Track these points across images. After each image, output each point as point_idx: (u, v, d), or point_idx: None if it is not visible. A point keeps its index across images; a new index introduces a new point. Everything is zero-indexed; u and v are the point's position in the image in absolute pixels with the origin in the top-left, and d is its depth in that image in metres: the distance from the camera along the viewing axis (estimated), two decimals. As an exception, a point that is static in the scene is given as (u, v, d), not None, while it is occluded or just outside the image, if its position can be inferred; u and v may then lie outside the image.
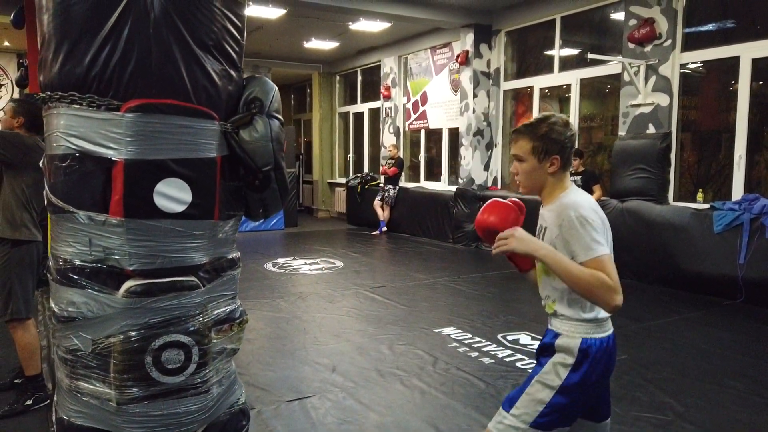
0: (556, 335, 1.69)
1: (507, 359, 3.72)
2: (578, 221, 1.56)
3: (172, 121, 1.27)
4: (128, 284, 1.27)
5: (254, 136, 1.37)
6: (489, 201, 1.87)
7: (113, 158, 1.24)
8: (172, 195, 1.27)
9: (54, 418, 1.41)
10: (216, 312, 1.39)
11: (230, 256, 1.48)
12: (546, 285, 1.73)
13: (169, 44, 1.27)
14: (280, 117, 1.46)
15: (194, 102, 1.30)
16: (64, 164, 1.28)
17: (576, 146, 1.70)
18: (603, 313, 1.65)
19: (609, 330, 1.69)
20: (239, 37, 1.43)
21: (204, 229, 1.34)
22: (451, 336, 4.20)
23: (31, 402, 2.98)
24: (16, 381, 3.18)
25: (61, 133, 1.27)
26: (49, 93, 1.29)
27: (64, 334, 1.33)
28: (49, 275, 1.37)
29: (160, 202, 1.26)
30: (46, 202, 1.37)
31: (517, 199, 1.85)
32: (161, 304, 1.29)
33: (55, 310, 1.34)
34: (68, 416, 1.35)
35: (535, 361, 1.82)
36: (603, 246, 1.54)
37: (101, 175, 1.25)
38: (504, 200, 1.84)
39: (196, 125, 1.30)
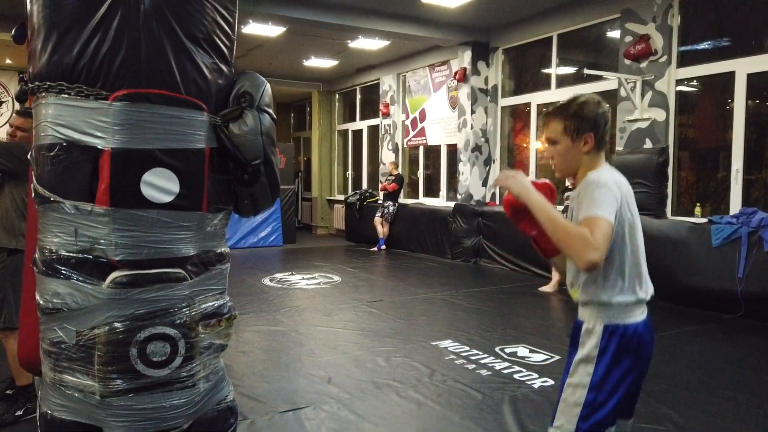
0: (580, 323, 1.66)
1: (504, 371, 3.68)
2: (593, 185, 1.52)
3: (160, 111, 1.27)
4: (114, 275, 1.26)
5: (244, 130, 1.37)
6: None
7: (100, 147, 1.24)
8: (160, 185, 1.27)
9: (38, 413, 1.39)
10: (204, 306, 1.37)
11: (219, 250, 1.47)
12: (570, 269, 1.69)
13: (159, 36, 1.28)
14: (270, 112, 1.46)
15: (183, 94, 1.31)
16: (51, 154, 1.28)
17: (609, 123, 1.68)
18: (629, 297, 1.60)
19: (639, 316, 1.63)
20: (230, 32, 1.44)
21: (192, 221, 1.33)
22: (449, 349, 4.16)
23: (21, 413, 2.94)
24: (8, 392, 3.14)
25: (49, 123, 1.28)
26: (37, 83, 1.30)
27: (48, 326, 1.31)
28: (35, 268, 1.36)
29: (147, 192, 1.26)
30: (33, 194, 1.36)
31: (548, 181, 1.81)
32: (147, 296, 1.27)
33: (40, 302, 1.33)
34: (51, 410, 1.32)
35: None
36: (605, 211, 1.47)
37: (88, 164, 1.25)
38: (536, 180, 1.80)
39: (184, 116, 1.30)
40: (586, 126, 1.61)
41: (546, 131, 1.70)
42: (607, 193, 1.50)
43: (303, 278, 7.00)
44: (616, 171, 1.65)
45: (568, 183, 6.33)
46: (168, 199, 1.28)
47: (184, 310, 1.32)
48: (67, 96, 1.26)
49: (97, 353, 1.25)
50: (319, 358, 3.96)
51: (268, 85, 1.48)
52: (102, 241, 1.25)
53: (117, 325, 1.25)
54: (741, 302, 5.02)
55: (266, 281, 6.79)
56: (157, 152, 1.27)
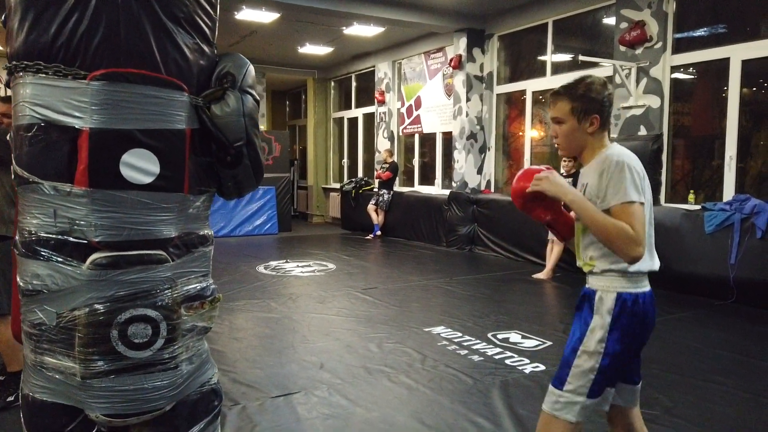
0: (593, 292, 1.70)
1: (496, 357, 3.70)
2: (618, 166, 1.57)
3: (139, 91, 1.26)
4: (94, 256, 1.25)
5: (226, 111, 1.36)
6: (522, 169, 1.90)
7: (78, 127, 1.22)
8: (139, 166, 1.26)
9: (20, 395, 1.39)
10: (186, 288, 1.36)
11: (202, 233, 1.46)
12: (586, 242, 1.73)
13: (139, 16, 1.26)
14: (254, 93, 1.45)
15: (164, 74, 1.29)
16: (29, 134, 1.26)
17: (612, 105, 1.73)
18: (643, 266, 1.65)
19: (645, 287, 1.69)
20: (212, 12, 1.42)
21: (173, 203, 1.32)
22: (441, 335, 4.17)
23: (12, 398, 2.94)
24: (-1, 377, 3.14)
25: (27, 103, 1.26)
26: (15, 63, 1.28)
27: (28, 308, 1.31)
28: (15, 249, 1.35)
29: (126, 172, 1.24)
30: (12, 175, 1.35)
31: (549, 167, 1.86)
32: (128, 277, 1.26)
33: (20, 284, 1.32)
34: (32, 392, 1.32)
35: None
36: (637, 194, 1.55)
37: (66, 144, 1.24)
38: (537, 167, 1.86)
39: (164, 96, 1.29)
40: (593, 107, 1.64)
41: (552, 110, 1.72)
42: (634, 174, 1.56)
43: (297, 266, 7.01)
44: (626, 149, 1.69)
45: (562, 170, 6.33)
46: (148, 180, 1.27)
47: (166, 292, 1.31)
48: (44, 75, 1.24)
49: (78, 335, 1.25)
50: (311, 345, 3.97)
51: (251, 66, 1.47)
52: (81, 222, 1.24)
53: (97, 306, 1.25)
54: (733, 288, 5.05)
55: (261, 269, 6.79)
56: (137, 133, 1.25)
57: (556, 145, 1.78)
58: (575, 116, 1.66)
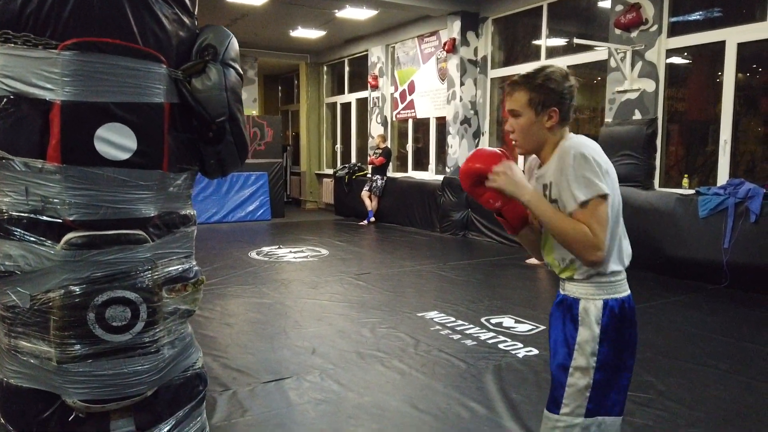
0: (576, 301, 1.56)
1: (489, 341, 3.67)
2: (576, 160, 1.44)
3: (113, 62, 1.19)
4: (69, 236, 1.19)
5: (207, 85, 1.30)
6: (475, 149, 1.78)
7: (49, 99, 1.16)
8: (115, 141, 1.20)
9: (-5, 382, 1.34)
10: (167, 270, 1.31)
11: (183, 212, 1.40)
12: (558, 246, 1.59)
13: (113, -18, 1.20)
14: (236, 66, 1.38)
15: (140, 44, 1.23)
16: (-2, 107, 1.20)
17: (575, 98, 1.58)
18: (620, 266, 1.56)
19: (627, 290, 1.60)
20: (192, -19, 1.36)
21: (151, 180, 1.27)
22: (434, 320, 4.14)
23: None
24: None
25: (-5, 74, 1.20)
26: (-19, 32, 1.21)
27: (1, 290, 1.25)
28: (-13, 230, 1.30)
29: (101, 148, 1.18)
30: None
31: (504, 150, 1.71)
32: (105, 258, 1.21)
33: (-8, 265, 1.27)
34: (7, 377, 1.27)
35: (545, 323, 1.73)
36: (598, 188, 1.42)
37: (38, 118, 1.17)
38: (491, 149, 1.71)
39: (140, 67, 1.22)
40: (551, 99, 1.51)
41: (509, 102, 1.58)
42: (594, 166, 1.44)
43: (290, 252, 6.96)
44: (587, 139, 1.55)
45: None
46: (125, 156, 1.21)
47: (146, 273, 1.26)
48: (13, 45, 1.17)
49: (53, 318, 1.20)
50: (303, 330, 3.94)
51: (234, 39, 1.40)
52: (54, 200, 1.18)
53: (73, 288, 1.19)
54: (726, 273, 5.04)
55: (253, 255, 6.74)
56: (112, 106, 1.19)
57: (513, 142, 1.62)
58: (532, 108, 1.52)
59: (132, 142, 1.22)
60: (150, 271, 1.26)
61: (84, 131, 1.18)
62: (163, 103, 1.27)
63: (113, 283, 1.22)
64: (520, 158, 5.65)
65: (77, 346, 1.20)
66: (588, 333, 1.53)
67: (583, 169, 1.43)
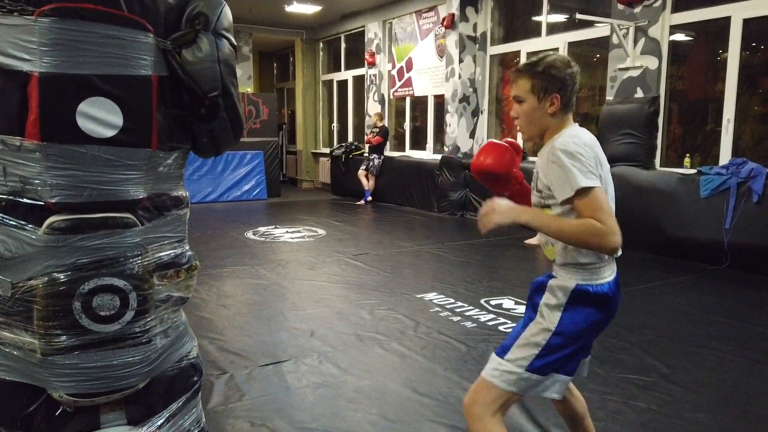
0: (551, 276, 1.65)
1: (489, 323, 3.63)
2: (565, 155, 1.47)
3: (95, 30, 1.09)
4: (51, 219, 1.11)
5: (198, 56, 1.20)
6: (485, 143, 1.85)
7: (26, 71, 1.06)
8: (99, 117, 1.11)
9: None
10: (158, 255, 1.23)
11: (175, 194, 1.31)
12: None
13: (94, -57, 1.10)
14: (230, 37, 1.29)
15: (125, 11, 1.13)
16: (-29, 80, 1.11)
17: (578, 84, 1.64)
18: (599, 257, 1.58)
19: (609, 276, 1.61)
20: (180, -58, 1.25)
21: (140, 160, 1.18)
22: (434, 301, 4.10)
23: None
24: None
25: (-34, 44, 1.10)
26: (-50, -4, 1.11)
27: (-21, 278, 1.17)
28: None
29: (84, 124, 1.09)
30: None
31: (513, 140, 1.82)
32: (91, 243, 1.13)
33: (-31, 250, 1.18)
34: (-12, 370, 1.20)
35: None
36: (592, 178, 1.45)
37: (15, 92, 1.08)
38: (499, 141, 1.82)
39: (125, 36, 1.12)
40: (553, 86, 1.56)
41: (513, 89, 1.64)
42: (585, 160, 1.46)
43: (287, 232, 6.88)
44: (582, 130, 1.61)
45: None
46: (110, 133, 1.12)
47: (136, 259, 1.18)
48: (-15, 12, 1.08)
49: (36, 307, 1.12)
50: (301, 312, 3.88)
51: (227, 7, 1.30)
52: (35, 181, 1.09)
53: (57, 275, 1.11)
54: (727, 253, 5.00)
55: (249, 235, 6.66)
56: (95, 78, 1.10)
57: (517, 128, 1.70)
58: (535, 95, 1.57)
59: (118, 118, 1.12)
60: (140, 257, 1.18)
61: (65, 106, 1.09)
62: (150, 76, 1.17)
63: (100, 269, 1.14)
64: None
65: (63, 337, 1.13)
66: (553, 299, 1.59)
67: (571, 163, 1.45)
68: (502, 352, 1.62)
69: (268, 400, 2.62)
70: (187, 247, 1.36)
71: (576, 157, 1.46)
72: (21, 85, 1.08)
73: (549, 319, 1.57)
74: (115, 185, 1.15)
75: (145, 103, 1.16)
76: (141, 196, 1.19)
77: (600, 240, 1.42)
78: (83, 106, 1.09)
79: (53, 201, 1.11)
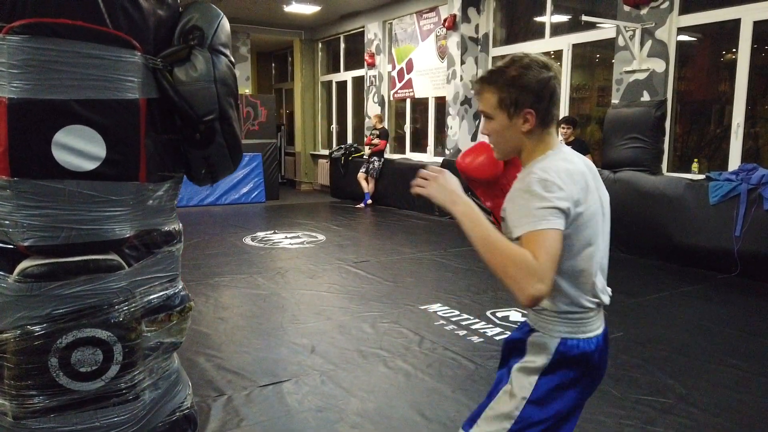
0: (531, 331, 1.36)
1: (497, 338, 3.50)
2: (531, 185, 1.20)
3: (74, 49, 0.96)
4: (23, 265, 0.98)
5: (192, 76, 1.07)
6: (476, 142, 1.58)
7: (-7, 97, 0.94)
8: (78, 147, 0.97)
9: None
10: (147, 299, 1.10)
11: (166, 229, 1.18)
12: None
13: (73, -50, 0.96)
14: (227, 53, 1.15)
15: (109, 27, 0.99)
16: (-69, 107, 0.97)
17: (559, 94, 1.32)
18: (588, 302, 1.31)
19: (597, 329, 1.34)
20: (171, -52, 1.12)
21: (126, 194, 1.04)
22: (438, 313, 3.97)
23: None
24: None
25: (-74, 65, 0.96)
26: None
27: (-56, 330, 1.04)
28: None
29: (61, 156, 0.96)
30: None
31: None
32: (69, 291, 1.00)
33: (-67, 298, 1.05)
34: (-45, 433, 1.07)
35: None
36: (550, 221, 1.17)
37: (-19, 121, 0.95)
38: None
39: (108, 55, 0.99)
40: (525, 99, 1.26)
41: (479, 103, 1.34)
42: (550, 191, 1.19)
43: (286, 237, 6.75)
44: (566, 159, 1.31)
45: (561, 137, 6.08)
46: (91, 166, 0.99)
47: (122, 306, 1.04)
48: (-52, 28, 0.94)
49: (7, 365, 0.98)
50: (302, 325, 3.75)
51: (225, 19, 1.16)
52: (4, 221, 0.96)
53: (31, 328, 0.98)
54: (737, 261, 4.88)
55: (247, 240, 6.52)
56: (73, 104, 0.96)
57: (492, 146, 1.40)
58: (504, 110, 1.28)
59: (100, 149, 0.99)
60: (126, 303, 1.05)
61: (38, 136, 0.95)
62: (138, 100, 1.04)
63: (80, 320, 1.00)
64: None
65: (37, 398, 0.99)
66: (532, 361, 1.32)
67: (534, 195, 1.19)
68: (468, 425, 1.37)
69: (269, 425, 2.49)
70: (181, 286, 1.23)
71: (545, 187, 1.19)
72: (-12, 112, 0.95)
73: (522, 384, 1.30)
74: (96, 224, 1.01)
75: (132, 130, 1.03)
76: (127, 235, 1.06)
77: (520, 277, 1.11)
78: (59, 136, 0.95)
79: (26, 244, 0.97)
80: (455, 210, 1.24)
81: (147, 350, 1.11)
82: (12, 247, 0.99)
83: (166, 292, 1.16)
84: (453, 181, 1.30)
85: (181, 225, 1.23)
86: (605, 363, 1.39)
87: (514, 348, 1.40)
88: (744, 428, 2.50)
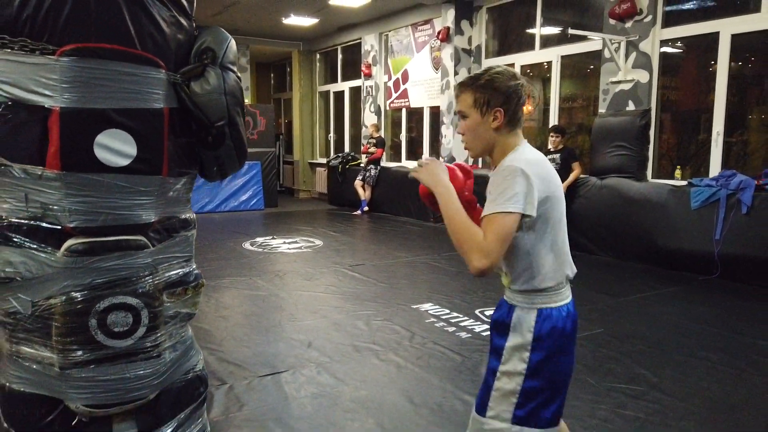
0: (511, 308, 1.56)
1: (484, 333, 3.70)
2: (501, 175, 1.42)
3: (112, 68, 1.18)
4: (69, 242, 1.19)
5: (206, 89, 1.29)
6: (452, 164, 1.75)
7: (48, 106, 1.15)
8: (115, 147, 1.19)
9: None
10: (168, 274, 1.31)
11: (183, 216, 1.40)
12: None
13: (110, -13, 1.18)
14: (235, 70, 1.38)
15: (139, 49, 1.22)
16: (-4, 114, 1.19)
17: (525, 101, 1.56)
18: (559, 278, 1.53)
19: (567, 298, 1.56)
20: (189, -18, 1.34)
21: (152, 186, 1.27)
22: (429, 312, 4.17)
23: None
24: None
25: (-8, 80, 1.18)
26: (-23, 37, 1.20)
27: (2, 297, 1.24)
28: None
29: (101, 154, 1.18)
30: None
31: (463, 163, 1.73)
32: (106, 264, 1.21)
33: (-7, 271, 1.26)
34: (9, 382, 1.28)
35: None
36: (510, 204, 1.38)
37: (36, 125, 1.17)
38: (448, 164, 1.70)
39: (139, 72, 1.22)
40: (496, 99, 1.50)
41: (457, 104, 1.58)
42: (514, 183, 1.40)
43: (284, 242, 6.95)
44: (532, 152, 1.54)
45: (550, 146, 6.32)
46: (124, 162, 1.21)
47: (147, 278, 1.26)
48: (10, 51, 1.16)
49: (55, 324, 1.20)
50: (299, 323, 3.95)
51: (233, 41, 1.39)
52: (54, 207, 1.18)
53: (74, 294, 1.20)
54: (717, 263, 5.09)
55: (247, 245, 6.73)
56: (111, 112, 1.19)
57: (464, 146, 1.62)
58: (477, 109, 1.51)
59: (132, 149, 1.21)
60: (151, 277, 1.27)
61: (83, 138, 1.17)
62: (162, 109, 1.26)
63: (114, 289, 1.22)
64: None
65: (79, 352, 1.21)
66: (519, 339, 1.51)
67: (505, 183, 1.41)
68: (482, 409, 1.54)
69: (268, 411, 2.69)
70: (194, 266, 1.44)
71: (510, 178, 1.41)
72: (42, 118, 1.16)
73: (516, 362, 1.50)
74: (128, 210, 1.23)
75: (157, 134, 1.25)
76: (152, 220, 1.28)
77: (471, 252, 1.36)
78: (100, 138, 1.18)
79: (71, 225, 1.19)
80: (436, 191, 1.50)
81: (167, 317, 1.31)
82: (60, 228, 1.20)
83: (183, 269, 1.37)
84: (440, 169, 1.54)
85: (194, 214, 1.45)
86: (576, 325, 1.61)
87: (499, 328, 1.59)
88: (708, 412, 2.69)
